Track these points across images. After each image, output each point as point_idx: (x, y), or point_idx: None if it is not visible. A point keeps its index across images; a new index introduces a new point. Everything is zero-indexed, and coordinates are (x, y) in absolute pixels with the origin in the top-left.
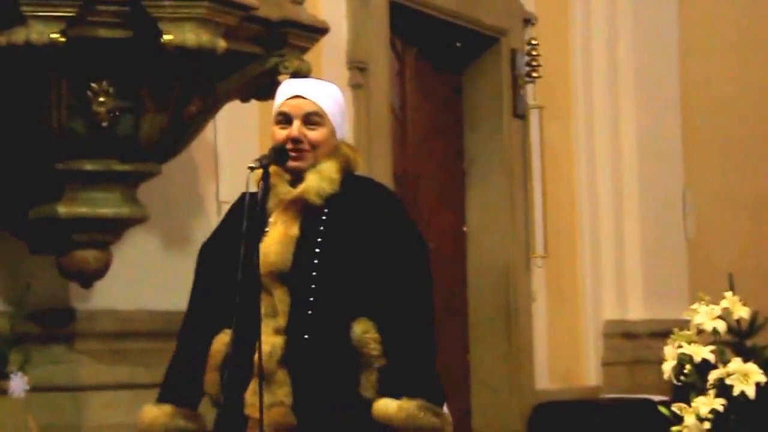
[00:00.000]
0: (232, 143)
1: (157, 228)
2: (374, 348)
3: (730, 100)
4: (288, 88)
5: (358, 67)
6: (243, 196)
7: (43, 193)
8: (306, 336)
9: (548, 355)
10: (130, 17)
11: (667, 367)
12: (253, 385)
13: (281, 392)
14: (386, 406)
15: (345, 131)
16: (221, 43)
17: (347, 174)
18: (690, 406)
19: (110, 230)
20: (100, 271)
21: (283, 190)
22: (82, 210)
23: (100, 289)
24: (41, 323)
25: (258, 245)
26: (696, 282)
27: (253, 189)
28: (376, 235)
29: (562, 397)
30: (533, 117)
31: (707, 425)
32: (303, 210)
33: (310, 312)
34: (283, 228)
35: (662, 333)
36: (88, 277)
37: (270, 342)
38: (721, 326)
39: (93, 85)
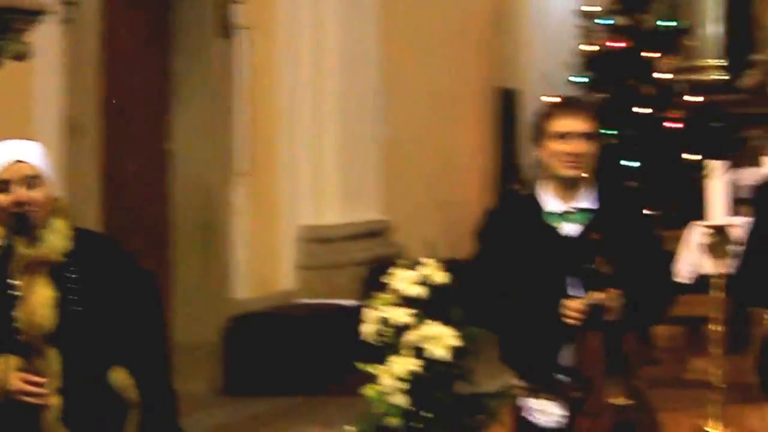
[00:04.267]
0: None
1: None
2: (133, 392)
3: None
4: (2, 155)
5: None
6: None
7: None
8: (80, 392)
9: (248, 266)
10: None
11: (368, 329)
12: None
13: None
14: None
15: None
16: None
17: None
18: (387, 366)
19: None
20: None
21: (25, 251)
22: None
23: None
24: None
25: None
26: (391, 182)
27: None
28: (118, 288)
29: (260, 304)
30: (240, 37)
31: (404, 385)
32: (50, 269)
33: (80, 368)
34: (41, 289)
35: (357, 235)
36: None
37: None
38: (421, 291)
39: None
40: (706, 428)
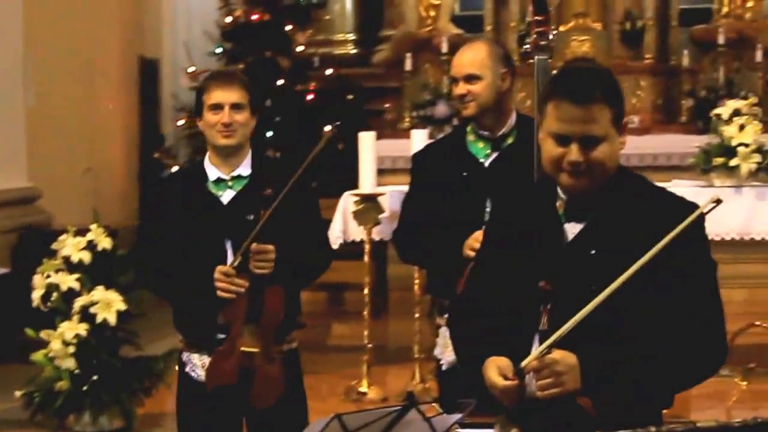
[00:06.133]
0: None
1: None
2: None
3: None
4: None
5: None
6: None
7: None
8: None
9: None
10: None
11: (37, 295)
12: None
13: None
14: None
15: None
16: None
17: None
18: (56, 331)
19: None
20: None
21: None
22: None
23: None
24: None
25: None
26: (37, 150)
27: None
28: None
29: None
30: None
31: (72, 349)
32: None
33: None
34: None
35: (2, 203)
36: None
37: None
38: (87, 257)
39: None
40: (358, 388)
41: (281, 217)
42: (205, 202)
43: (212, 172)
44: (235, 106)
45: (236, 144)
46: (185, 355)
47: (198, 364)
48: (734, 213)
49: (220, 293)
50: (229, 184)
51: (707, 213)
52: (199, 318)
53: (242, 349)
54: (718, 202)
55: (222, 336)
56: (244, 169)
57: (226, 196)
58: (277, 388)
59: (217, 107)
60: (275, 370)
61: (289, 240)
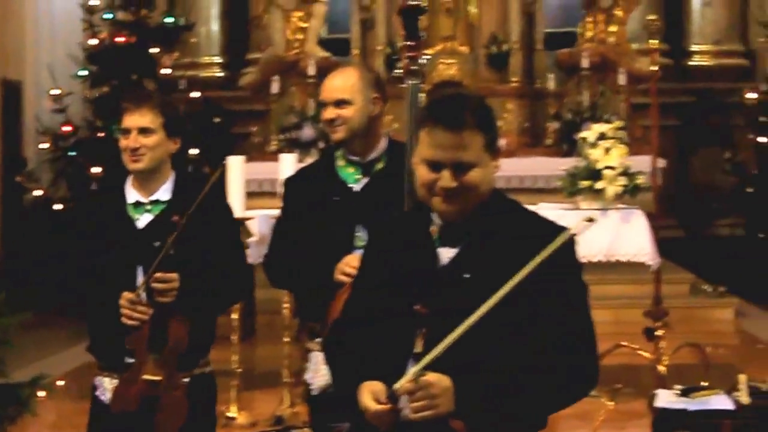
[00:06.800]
0: None
1: None
2: None
3: None
4: None
5: None
6: None
7: None
8: None
9: None
10: None
11: None
12: None
13: None
14: None
15: None
16: None
17: None
18: None
19: None
20: None
21: None
22: None
23: None
24: None
25: None
26: None
27: None
28: None
29: None
30: None
31: None
32: None
33: None
34: None
35: None
36: None
37: None
38: None
39: None
40: (227, 413)
41: (190, 244)
42: (120, 226)
43: (131, 194)
44: (143, 131)
45: (145, 168)
46: (97, 379)
47: (108, 388)
48: (600, 235)
49: (124, 320)
50: (147, 208)
51: (582, 233)
52: (107, 343)
53: (144, 377)
54: (591, 220)
55: (131, 360)
56: (164, 193)
57: (143, 220)
58: (180, 415)
59: (126, 131)
60: (179, 397)
61: (198, 268)
